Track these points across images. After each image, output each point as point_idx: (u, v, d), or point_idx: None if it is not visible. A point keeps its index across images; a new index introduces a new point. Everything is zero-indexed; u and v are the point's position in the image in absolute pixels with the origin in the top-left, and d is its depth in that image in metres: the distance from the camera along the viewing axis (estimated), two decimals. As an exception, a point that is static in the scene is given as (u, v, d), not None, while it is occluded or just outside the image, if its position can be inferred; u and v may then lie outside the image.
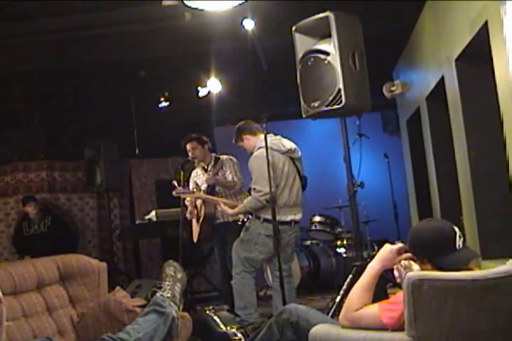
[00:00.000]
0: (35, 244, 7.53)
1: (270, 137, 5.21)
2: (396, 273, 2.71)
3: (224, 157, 6.22)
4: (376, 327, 2.57)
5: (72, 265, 3.63)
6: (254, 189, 5.09)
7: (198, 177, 6.24)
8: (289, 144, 5.33)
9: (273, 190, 4.98)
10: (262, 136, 5.07)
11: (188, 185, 6.13)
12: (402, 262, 2.70)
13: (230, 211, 5.46)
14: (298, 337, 2.97)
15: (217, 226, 6.12)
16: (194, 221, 6.19)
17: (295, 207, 5.27)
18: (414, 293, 2.33)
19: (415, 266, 2.67)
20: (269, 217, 4.96)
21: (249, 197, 5.20)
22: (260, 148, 5.13)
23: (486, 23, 3.93)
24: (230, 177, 6.05)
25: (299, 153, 5.39)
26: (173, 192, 5.81)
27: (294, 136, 5.70)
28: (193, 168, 6.37)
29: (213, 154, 6.31)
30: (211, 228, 6.13)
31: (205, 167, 6.23)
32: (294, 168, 5.31)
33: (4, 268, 3.28)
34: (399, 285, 2.69)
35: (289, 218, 5.20)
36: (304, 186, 5.41)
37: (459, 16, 4.61)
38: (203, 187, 6.09)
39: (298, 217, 5.29)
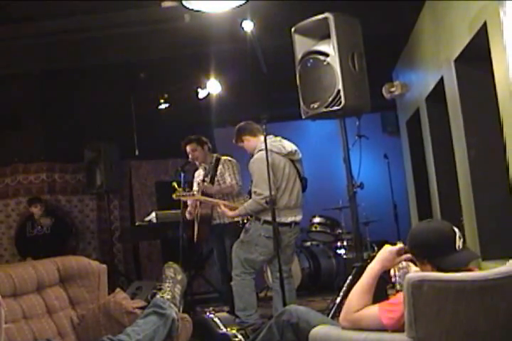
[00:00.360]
0: (38, 245, 7.52)
1: (271, 139, 5.20)
2: (392, 272, 2.72)
3: (223, 158, 6.19)
4: (376, 328, 2.57)
5: (72, 267, 3.63)
6: (255, 192, 5.09)
7: (200, 177, 6.23)
8: (289, 146, 5.33)
9: (273, 192, 4.99)
10: (263, 138, 5.07)
11: (188, 187, 6.12)
12: (400, 263, 2.71)
13: (230, 213, 5.45)
14: (298, 339, 2.97)
15: (214, 228, 6.11)
16: (196, 222, 6.18)
17: (295, 209, 5.27)
18: (414, 294, 2.33)
19: (413, 268, 2.68)
20: (270, 218, 4.97)
21: (250, 200, 5.20)
22: (261, 150, 5.12)
23: (485, 24, 3.93)
24: (228, 180, 6.02)
25: (300, 155, 5.38)
26: (174, 195, 5.81)
27: (294, 137, 5.70)
28: (196, 169, 6.37)
29: (215, 155, 6.28)
30: (209, 229, 6.12)
31: (206, 167, 6.22)
32: (295, 170, 5.31)
33: (4, 270, 3.28)
34: (392, 284, 2.71)
35: (289, 219, 5.20)
36: (304, 188, 5.41)
37: (458, 17, 4.61)
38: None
39: (298, 218, 5.29)
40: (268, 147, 5.01)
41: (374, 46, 5.35)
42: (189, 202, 6.11)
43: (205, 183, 6.07)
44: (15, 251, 8.07)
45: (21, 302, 3.24)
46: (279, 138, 5.36)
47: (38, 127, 8.59)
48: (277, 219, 4.97)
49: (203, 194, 5.96)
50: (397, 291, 2.67)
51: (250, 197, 5.24)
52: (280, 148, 5.23)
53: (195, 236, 6.10)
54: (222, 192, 5.98)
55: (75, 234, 8.46)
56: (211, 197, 5.96)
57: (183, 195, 5.81)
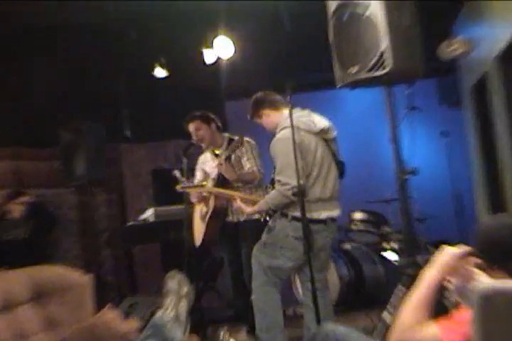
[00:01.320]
0: (15, 253, 7.41)
1: (296, 113, 5.19)
2: (455, 281, 2.73)
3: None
4: (436, 352, 2.57)
5: (48, 279, 3.65)
6: (279, 181, 5.07)
7: (207, 163, 6.24)
8: (321, 122, 5.30)
9: (303, 181, 4.97)
10: (287, 112, 5.05)
11: (194, 175, 6.13)
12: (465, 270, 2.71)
13: (249, 209, 5.42)
14: (336, 367, 2.98)
15: (226, 227, 6.13)
16: (197, 217, 6.16)
17: (331, 202, 5.27)
18: (484, 310, 2.32)
19: (482, 277, 2.66)
20: (299, 214, 4.97)
21: (273, 192, 5.18)
22: (285, 128, 5.11)
23: None
24: (247, 165, 6.00)
25: (335, 133, 5.36)
26: (177, 187, 5.81)
27: (327, 110, 5.67)
28: (201, 153, 6.37)
29: (225, 134, 6.27)
30: (221, 227, 6.10)
31: (216, 151, 6.20)
32: (329, 151, 5.29)
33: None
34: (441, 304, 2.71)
35: (323, 215, 5.19)
36: (341, 174, 5.40)
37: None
38: (213, 175, 6.04)
39: (335, 213, 5.29)
40: (294, 123, 4.99)
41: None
42: (193, 196, 6.12)
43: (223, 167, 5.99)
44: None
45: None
46: (307, 112, 5.34)
47: (1, 104, 8.61)
48: (309, 215, 4.97)
49: (219, 182, 5.92)
50: (458, 306, 2.67)
51: (273, 188, 5.23)
52: (310, 125, 5.21)
53: (203, 235, 6.07)
54: (242, 180, 5.97)
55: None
56: (227, 180, 5.88)
57: (189, 186, 5.81)
